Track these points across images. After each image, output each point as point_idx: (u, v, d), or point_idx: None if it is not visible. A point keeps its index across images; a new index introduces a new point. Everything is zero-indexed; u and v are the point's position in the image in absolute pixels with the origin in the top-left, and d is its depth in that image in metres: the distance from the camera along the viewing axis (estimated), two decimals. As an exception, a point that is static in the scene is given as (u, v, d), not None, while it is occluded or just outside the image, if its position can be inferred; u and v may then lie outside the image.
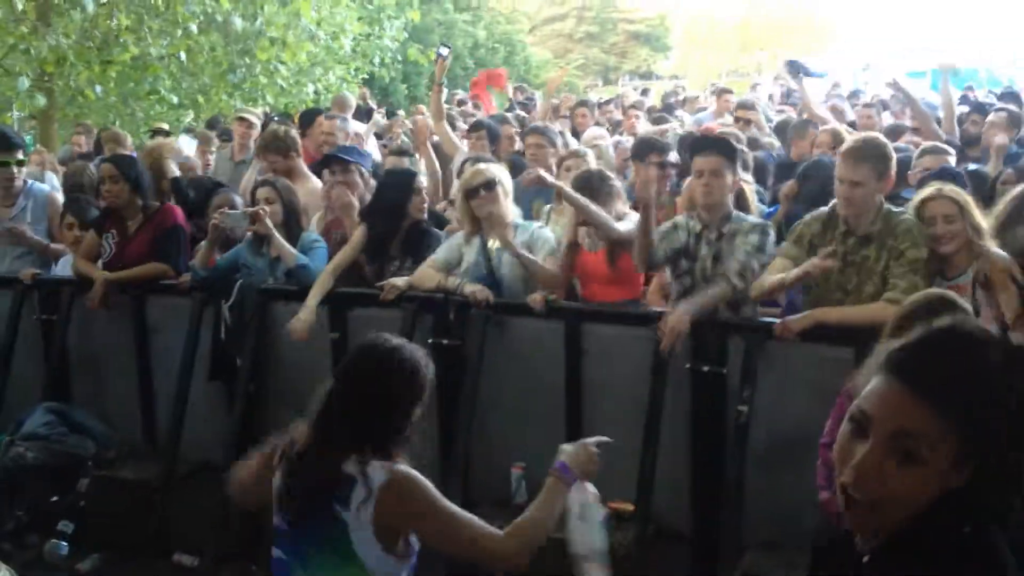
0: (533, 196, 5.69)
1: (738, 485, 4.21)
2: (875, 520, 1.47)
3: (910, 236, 4.00)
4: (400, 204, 5.16)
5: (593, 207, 4.70)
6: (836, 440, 1.51)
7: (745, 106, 8.31)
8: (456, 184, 5.33)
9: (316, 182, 6.11)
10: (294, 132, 6.51)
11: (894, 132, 6.74)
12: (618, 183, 5.11)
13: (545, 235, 4.90)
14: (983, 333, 1.50)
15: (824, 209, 4.28)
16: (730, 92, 10.87)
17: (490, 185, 4.80)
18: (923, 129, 6.91)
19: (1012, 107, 7.49)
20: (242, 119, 8.26)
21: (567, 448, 2.85)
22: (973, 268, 3.90)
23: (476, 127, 7.44)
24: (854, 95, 11.69)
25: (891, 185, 4.18)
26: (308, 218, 5.74)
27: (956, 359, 1.44)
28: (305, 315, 4.97)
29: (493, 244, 4.86)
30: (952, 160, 5.36)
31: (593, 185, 4.88)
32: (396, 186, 5.25)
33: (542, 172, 5.09)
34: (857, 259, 4.09)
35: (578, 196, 4.72)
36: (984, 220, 4.02)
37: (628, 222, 4.76)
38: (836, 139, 6.03)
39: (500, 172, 4.98)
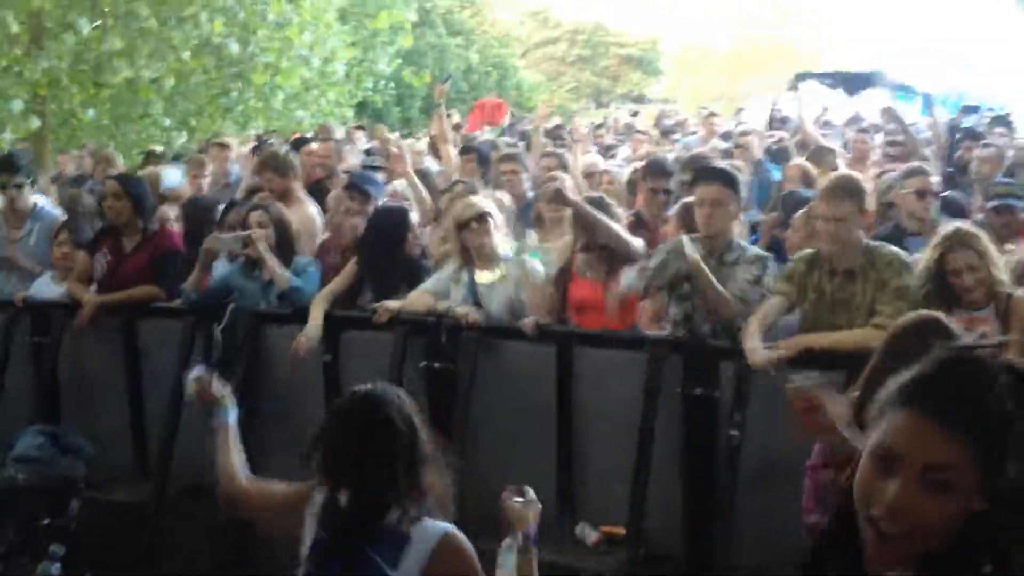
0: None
1: (729, 508, 4.22)
2: (907, 549, 1.49)
3: (892, 267, 4.08)
4: (397, 240, 5.19)
5: (611, 223, 4.73)
6: (857, 476, 1.52)
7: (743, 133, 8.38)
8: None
9: (311, 208, 6.13)
10: (294, 156, 6.54)
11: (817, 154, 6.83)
12: (619, 209, 5.12)
13: (536, 267, 4.92)
14: (988, 359, 1.53)
15: (809, 250, 4.35)
16: (716, 116, 10.97)
17: (482, 218, 4.82)
18: (914, 155, 6.96)
19: (999, 141, 7.62)
20: (219, 144, 8.32)
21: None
22: (998, 301, 3.98)
23: (466, 150, 7.47)
24: (855, 120, 11.72)
25: (870, 219, 4.26)
26: (301, 244, 5.73)
27: (972, 388, 1.47)
28: (313, 332, 4.97)
29: (481, 279, 4.88)
30: (935, 181, 5.41)
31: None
32: (391, 223, 5.28)
33: (561, 188, 4.99)
34: (844, 296, 4.15)
35: (594, 212, 4.71)
36: (998, 253, 4.09)
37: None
38: (806, 176, 6.13)
39: (491, 205, 5.01)
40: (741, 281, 4.34)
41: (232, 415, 3.31)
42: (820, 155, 6.89)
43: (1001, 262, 4.08)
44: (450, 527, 2.61)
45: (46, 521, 4.88)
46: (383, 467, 2.57)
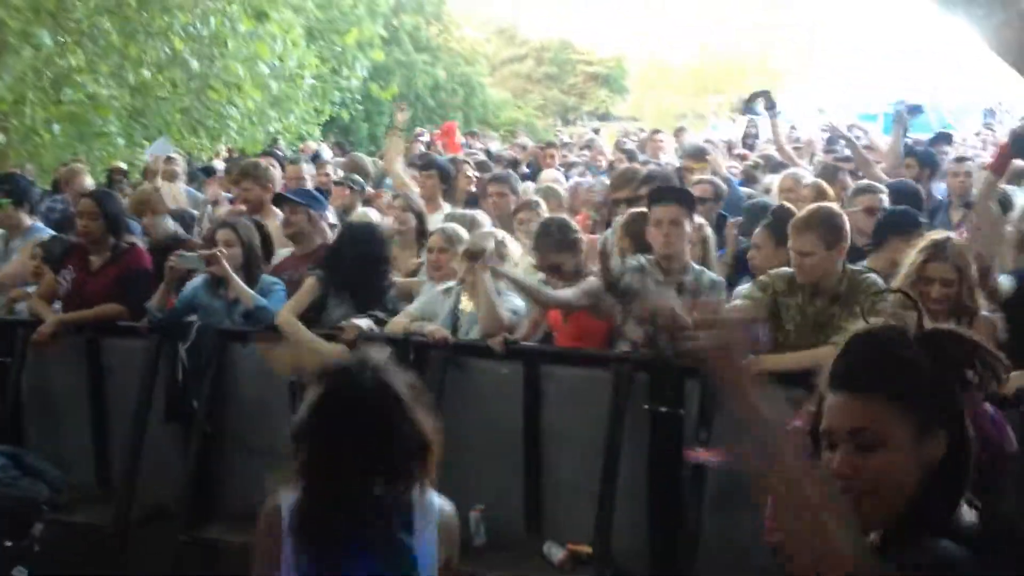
0: None
1: (695, 526, 4.25)
2: (874, 505, 1.66)
3: (877, 294, 4.05)
4: (377, 260, 5.23)
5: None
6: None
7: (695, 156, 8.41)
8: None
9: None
10: (273, 169, 6.60)
11: (828, 171, 6.81)
12: (581, 234, 5.12)
13: (515, 302, 4.94)
14: (895, 327, 1.77)
15: (788, 270, 4.33)
16: (659, 132, 11.11)
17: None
18: (864, 174, 7.02)
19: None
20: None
21: None
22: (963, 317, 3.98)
23: (427, 166, 7.45)
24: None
25: (844, 251, 4.24)
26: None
27: (878, 353, 1.72)
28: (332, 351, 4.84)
29: (465, 306, 4.90)
30: (885, 199, 5.47)
31: (552, 235, 4.89)
32: (372, 241, 5.32)
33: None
34: (823, 319, 4.16)
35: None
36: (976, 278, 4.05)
37: (576, 288, 4.70)
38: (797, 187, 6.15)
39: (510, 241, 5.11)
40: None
41: None
42: (832, 173, 6.71)
43: (976, 280, 4.03)
44: (447, 504, 2.63)
45: (8, 544, 4.82)
46: (383, 444, 2.47)
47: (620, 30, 39.90)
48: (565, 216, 5.38)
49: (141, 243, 5.93)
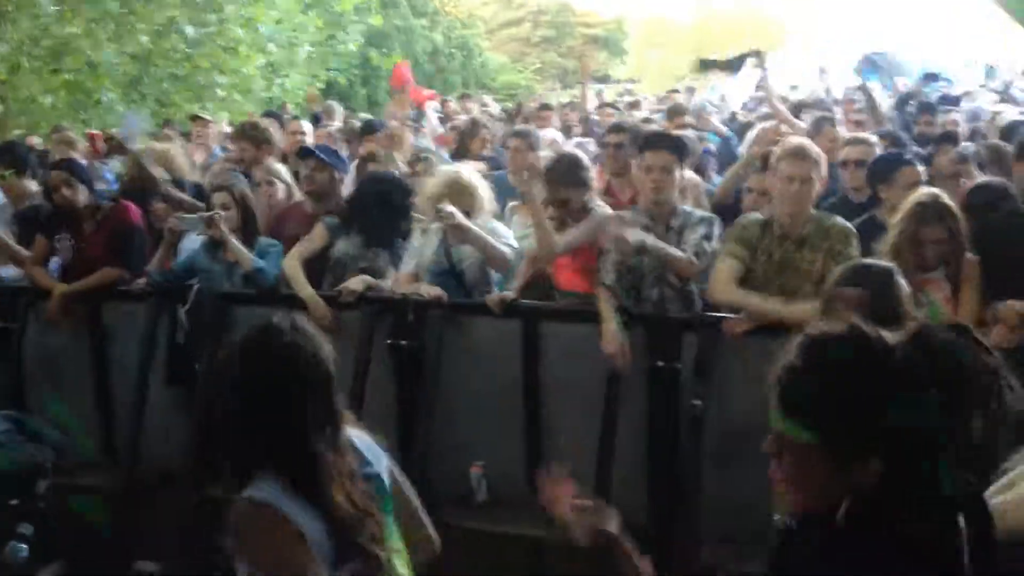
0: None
1: (694, 480, 4.28)
2: (794, 495, 1.74)
3: (843, 237, 4.17)
4: (400, 210, 5.22)
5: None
6: None
7: (677, 112, 8.49)
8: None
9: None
10: (272, 130, 6.58)
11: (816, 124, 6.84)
12: (591, 171, 5.10)
13: (500, 230, 4.97)
14: (848, 341, 1.64)
15: (756, 215, 4.44)
16: (677, 91, 11.10)
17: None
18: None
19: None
20: (197, 117, 8.31)
21: None
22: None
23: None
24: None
25: (824, 185, 4.35)
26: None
27: (800, 360, 1.66)
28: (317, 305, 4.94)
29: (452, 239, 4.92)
30: (878, 151, 5.47)
31: (562, 170, 4.87)
32: (397, 190, 5.33)
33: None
34: (795, 262, 4.22)
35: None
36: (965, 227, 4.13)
37: (576, 229, 4.76)
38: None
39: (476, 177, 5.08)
40: (693, 242, 4.42)
41: None
42: (819, 125, 6.79)
43: (964, 234, 4.13)
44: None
45: (14, 502, 4.87)
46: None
47: (619, -9, 39.61)
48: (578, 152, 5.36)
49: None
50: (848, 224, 4.27)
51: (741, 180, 5.66)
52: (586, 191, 4.86)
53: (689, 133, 6.76)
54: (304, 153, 5.81)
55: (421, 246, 5.01)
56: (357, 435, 2.44)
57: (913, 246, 4.06)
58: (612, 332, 4.32)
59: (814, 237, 4.21)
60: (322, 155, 5.66)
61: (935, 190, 4.29)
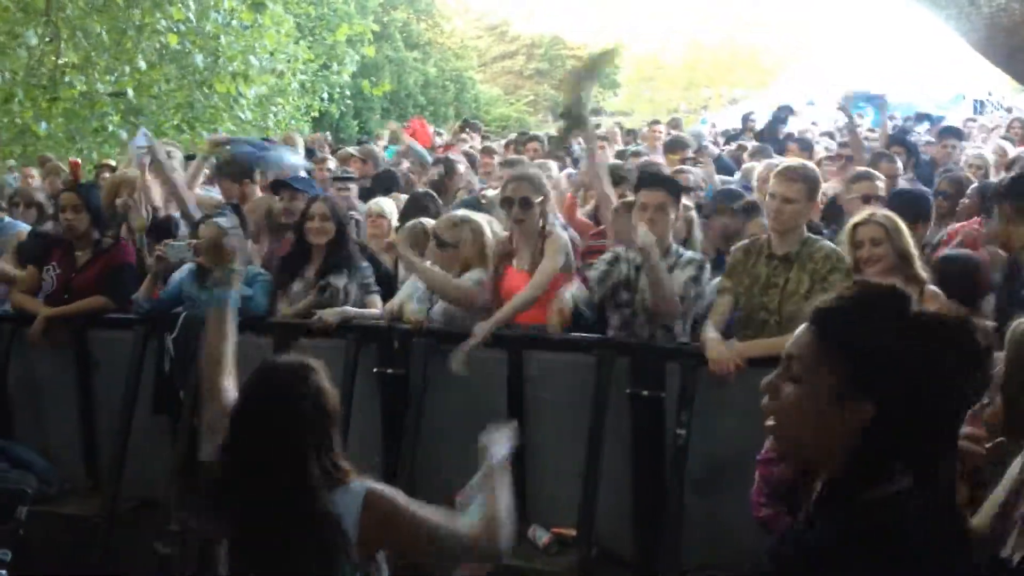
0: None
1: (677, 507, 4.28)
2: (781, 434, 1.74)
3: (829, 260, 4.21)
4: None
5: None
6: None
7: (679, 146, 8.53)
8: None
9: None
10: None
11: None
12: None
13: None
14: (892, 288, 1.71)
15: (746, 241, 4.52)
16: (658, 123, 11.14)
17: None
18: (856, 158, 7.14)
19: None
20: (192, 157, 8.28)
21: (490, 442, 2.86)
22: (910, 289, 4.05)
23: None
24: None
25: (817, 209, 4.39)
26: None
27: (850, 299, 1.69)
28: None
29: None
30: (882, 185, 5.50)
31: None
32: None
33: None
34: (779, 281, 4.27)
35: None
36: (914, 245, 4.21)
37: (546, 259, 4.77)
38: None
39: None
40: (679, 283, 4.46)
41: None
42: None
43: (915, 252, 4.21)
44: (367, 481, 2.54)
45: (-8, 527, 4.84)
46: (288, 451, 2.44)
47: (611, 25, 39.91)
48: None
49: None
50: (836, 248, 4.30)
51: None
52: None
53: (695, 170, 6.88)
54: (276, 186, 5.89)
55: (410, 283, 5.04)
56: None
57: (854, 250, 4.18)
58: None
59: (802, 257, 4.26)
60: (297, 186, 5.72)
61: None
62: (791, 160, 4.68)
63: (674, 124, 13.05)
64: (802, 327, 1.73)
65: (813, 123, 11.81)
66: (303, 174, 6.60)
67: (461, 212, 5.21)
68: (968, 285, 4.43)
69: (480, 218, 5.03)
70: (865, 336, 1.64)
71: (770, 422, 1.74)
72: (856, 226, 4.23)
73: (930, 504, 1.64)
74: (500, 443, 2.83)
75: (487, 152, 10.06)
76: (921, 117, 10.64)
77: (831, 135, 10.94)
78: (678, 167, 6.67)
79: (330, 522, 2.40)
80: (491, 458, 2.75)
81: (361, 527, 2.44)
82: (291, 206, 5.63)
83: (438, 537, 2.55)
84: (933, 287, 4.15)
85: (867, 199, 5.31)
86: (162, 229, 5.99)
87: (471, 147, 11.21)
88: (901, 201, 5.15)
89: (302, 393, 2.47)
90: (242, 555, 2.49)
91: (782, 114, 12.60)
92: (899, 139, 8.13)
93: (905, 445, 1.64)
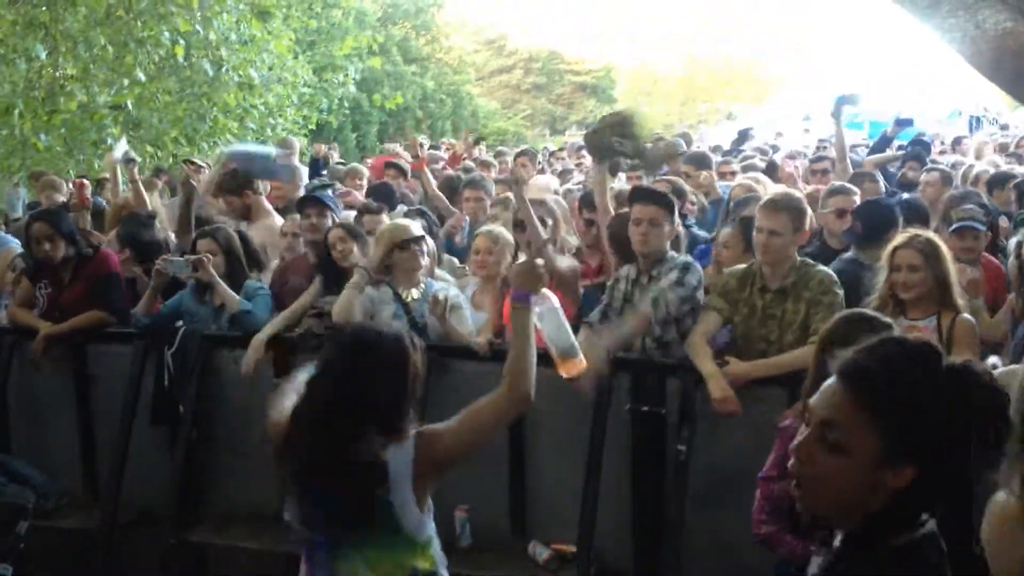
0: None
1: (678, 524, 4.28)
2: (812, 500, 1.67)
3: (823, 284, 4.20)
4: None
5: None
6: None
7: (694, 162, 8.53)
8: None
9: (277, 219, 6.23)
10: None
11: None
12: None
13: (452, 293, 4.97)
14: (925, 346, 1.65)
15: (741, 266, 4.50)
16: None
17: (418, 241, 4.90)
18: (839, 167, 7.31)
19: (943, 166, 7.89)
20: (189, 162, 8.30)
21: (512, 274, 3.13)
22: (944, 315, 4.07)
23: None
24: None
25: (806, 237, 4.38)
26: (267, 256, 5.84)
27: (886, 361, 1.62)
28: (251, 352, 4.98)
29: (406, 295, 4.90)
30: (857, 199, 5.50)
31: None
32: None
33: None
34: (776, 312, 4.26)
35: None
36: (955, 275, 4.14)
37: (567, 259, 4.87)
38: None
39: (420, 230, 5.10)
40: (658, 288, 4.45)
41: None
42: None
43: (955, 278, 4.13)
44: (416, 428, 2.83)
45: (-7, 542, 4.84)
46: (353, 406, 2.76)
47: (608, 40, 40.06)
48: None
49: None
50: (829, 272, 4.31)
51: None
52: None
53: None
54: (302, 203, 5.76)
55: (367, 299, 4.97)
56: None
57: (891, 274, 4.11)
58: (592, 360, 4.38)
59: (797, 287, 4.25)
60: (326, 200, 5.70)
61: (924, 230, 4.32)
62: (774, 191, 4.63)
63: (684, 139, 13.10)
64: (830, 386, 1.67)
65: (806, 130, 11.84)
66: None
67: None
68: None
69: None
70: (907, 401, 1.59)
71: (796, 487, 1.69)
72: (896, 249, 4.14)
73: (950, 550, 1.64)
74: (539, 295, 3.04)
75: (485, 166, 10.03)
76: (902, 123, 10.67)
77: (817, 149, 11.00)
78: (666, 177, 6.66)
79: (375, 467, 2.72)
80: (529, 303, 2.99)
81: (415, 464, 2.76)
82: (319, 223, 5.54)
83: (476, 425, 2.92)
84: (967, 316, 4.09)
85: (842, 213, 5.35)
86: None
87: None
88: (869, 210, 5.17)
89: (380, 359, 2.78)
90: (303, 497, 2.82)
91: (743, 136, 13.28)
92: (915, 155, 8.22)
93: (937, 499, 1.63)
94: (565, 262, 4.94)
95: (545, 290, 3.06)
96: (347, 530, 2.78)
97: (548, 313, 3.11)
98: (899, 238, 4.21)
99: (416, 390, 2.87)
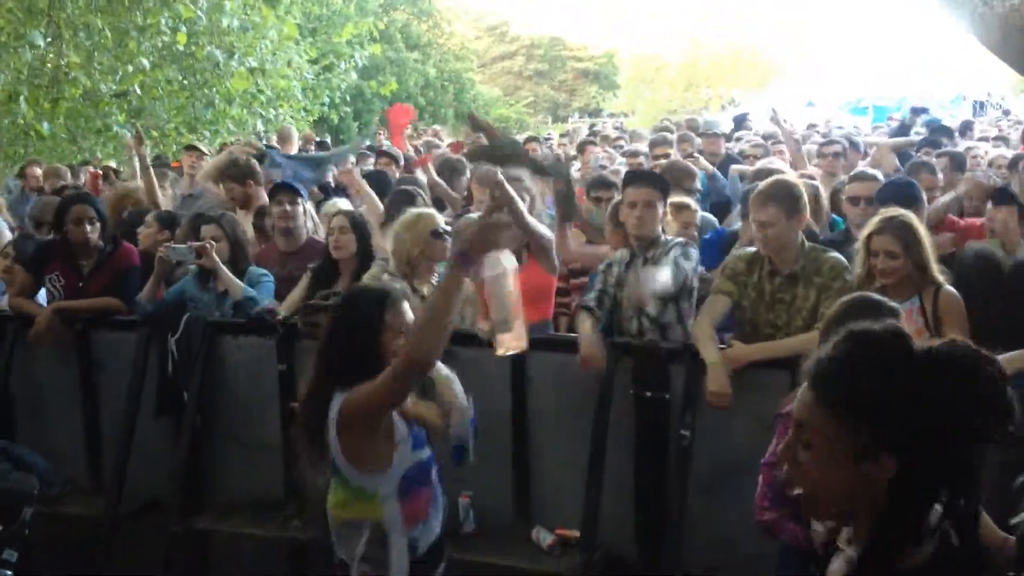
0: None
1: (681, 510, 4.28)
2: (811, 506, 1.71)
3: (834, 270, 4.17)
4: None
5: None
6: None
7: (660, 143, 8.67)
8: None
9: None
10: (253, 161, 6.57)
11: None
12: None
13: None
14: (887, 334, 1.63)
15: (750, 249, 4.47)
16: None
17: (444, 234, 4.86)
18: (795, 163, 7.46)
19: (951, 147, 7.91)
20: (192, 148, 8.29)
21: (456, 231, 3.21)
22: (925, 294, 4.01)
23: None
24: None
25: (804, 221, 4.34)
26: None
27: (847, 355, 1.62)
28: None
29: (422, 286, 4.86)
30: (876, 187, 5.46)
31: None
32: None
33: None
34: (786, 297, 4.24)
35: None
36: (932, 252, 4.06)
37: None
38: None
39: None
40: (669, 260, 4.48)
41: None
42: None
43: (932, 255, 4.04)
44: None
45: (-1, 529, 4.85)
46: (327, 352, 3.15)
47: (611, 26, 39.95)
48: None
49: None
50: (840, 257, 4.25)
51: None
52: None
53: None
54: (275, 190, 5.85)
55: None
56: None
57: (868, 259, 4.04)
58: (589, 338, 4.38)
59: (807, 273, 4.21)
60: (297, 186, 5.78)
61: (899, 210, 4.22)
62: (765, 182, 4.57)
63: (691, 126, 13.10)
64: (803, 387, 1.67)
65: (811, 125, 11.87)
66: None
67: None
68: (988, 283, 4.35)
69: None
70: (870, 392, 1.58)
71: (796, 488, 1.70)
72: (872, 235, 4.06)
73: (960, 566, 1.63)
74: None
75: (531, 140, 10.24)
76: (917, 111, 10.68)
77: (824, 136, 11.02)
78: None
79: (321, 403, 3.03)
80: None
81: (339, 416, 2.98)
82: (291, 211, 5.64)
83: (377, 384, 2.90)
84: (950, 288, 4.01)
85: (856, 201, 5.28)
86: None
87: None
88: (892, 192, 5.11)
89: (359, 309, 3.12)
90: None
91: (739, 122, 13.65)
92: (931, 141, 8.24)
93: (932, 492, 1.60)
94: (543, 231, 4.87)
95: (503, 257, 2.94)
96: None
97: (491, 281, 3.00)
98: (873, 222, 4.11)
99: (390, 349, 3.02)
